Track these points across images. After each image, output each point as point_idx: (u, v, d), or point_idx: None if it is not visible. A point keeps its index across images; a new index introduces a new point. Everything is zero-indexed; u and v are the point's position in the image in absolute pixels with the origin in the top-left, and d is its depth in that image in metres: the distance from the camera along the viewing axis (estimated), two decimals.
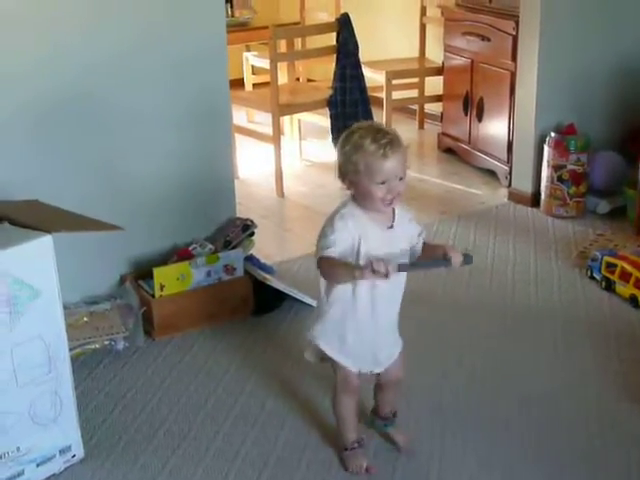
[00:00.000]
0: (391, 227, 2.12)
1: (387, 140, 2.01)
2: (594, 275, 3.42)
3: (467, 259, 2.10)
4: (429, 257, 2.16)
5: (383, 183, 2.02)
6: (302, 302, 3.27)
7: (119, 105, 3.12)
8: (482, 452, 2.39)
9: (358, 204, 2.09)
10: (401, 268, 1.99)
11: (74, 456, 2.36)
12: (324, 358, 2.29)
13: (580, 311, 3.22)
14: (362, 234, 2.06)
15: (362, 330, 2.17)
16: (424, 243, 2.20)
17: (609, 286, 3.33)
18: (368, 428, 2.45)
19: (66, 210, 2.41)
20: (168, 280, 3.06)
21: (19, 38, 2.87)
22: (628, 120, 4.45)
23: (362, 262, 2.03)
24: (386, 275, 1.91)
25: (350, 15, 4.71)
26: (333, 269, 2.05)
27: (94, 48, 3.02)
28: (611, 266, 3.33)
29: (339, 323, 2.18)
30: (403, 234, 2.15)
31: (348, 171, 2.05)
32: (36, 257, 2.15)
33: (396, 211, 2.14)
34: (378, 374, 2.31)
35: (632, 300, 3.22)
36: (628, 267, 3.25)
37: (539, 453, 2.38)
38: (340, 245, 2.03)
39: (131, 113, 3.16)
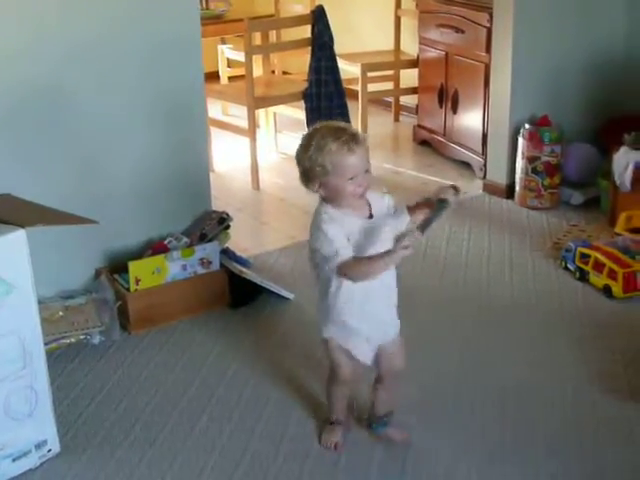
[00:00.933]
0: (371, 217, 2.13)
1: (348, 136, 2.04)
2: (568, 266, 3.45)
3: (456, 191, 2.14)
4: (423, 211, 2.16)
5: (352, 178, 2.04)
6: (278, 295, 3.28)
7: (91, 97, 3.10)
8: (458, 443, 2.40)
9: (331, 205, 2.10)
10: (423, 229, 2.02)
11: (50, 451, 2.35)
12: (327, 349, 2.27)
13: (554, 301, 3.25)
14: (348, 233, 2.07)
15: (365, 304, 2.17)
16: (409, 207, 2.20)
17: (583, 276, 3.36)
18: (368, 430, 2.44)
19: (39, 204, 2.40)
20: (143, 274, 3.05)
21: None
22: (601, 112, 4.48)
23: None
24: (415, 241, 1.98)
25: (325, 7, 4.71)
26: (365, 267, 2.06)
27: (65, 41, 3.00)
28: (585, 257, 3.36)
29: (346, 312, 2.18)
30: (384, 216, 2.16)
31: (316, 174, 2.05)
32: (10, 252, 2.14)
33: (368, 199, 2.14)
34: (378, 366, 2.31)
35: (606, 290, 3.25)
36: (601, 257, 3.28)
37: (515, 443, 2.40)
38: (345, 245, 2.06)
39: (103, 105, 3.14)
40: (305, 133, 2.12)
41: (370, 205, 2.14)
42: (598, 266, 3.29)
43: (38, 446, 2.32)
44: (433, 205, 2.12)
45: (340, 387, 2.33)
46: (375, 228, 2.12)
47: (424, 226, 2.05)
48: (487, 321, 3.11)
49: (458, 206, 2.15)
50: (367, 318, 2.19)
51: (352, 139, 2.03)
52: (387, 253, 2.01)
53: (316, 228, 2.09)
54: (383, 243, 2.10)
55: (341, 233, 2.06)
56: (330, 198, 2.10)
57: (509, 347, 2.93)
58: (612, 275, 3.22)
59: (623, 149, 3.79)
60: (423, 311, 3.17)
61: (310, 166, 2.06)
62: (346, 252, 2.06)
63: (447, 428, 2.47)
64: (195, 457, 2.37)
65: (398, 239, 1.99)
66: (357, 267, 2.06)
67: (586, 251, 3.36)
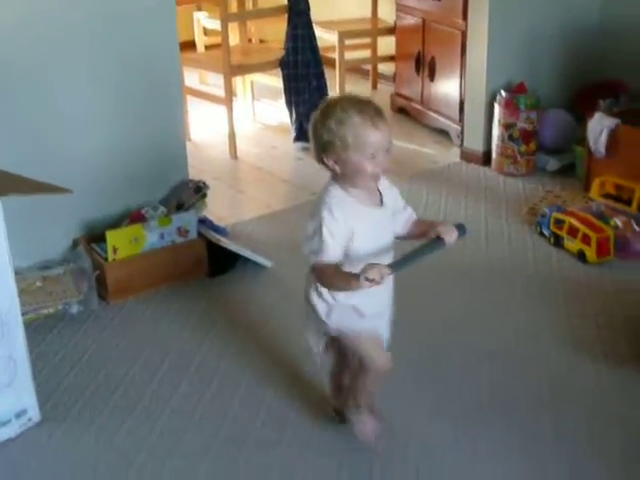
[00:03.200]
0: (381, 204, 2.02)
1: (373, 110, 1.89)
2: (543, 231, 3.49)
3: (461, 231, 2.00)
4: (418, 235, 2.07)
5: (373, 156, 1.89)
6: (256, 263, 3.29)
7: (61, 66, 3.08)
8: (434, 406, 2.44)
9: (342, 186, 1.95)
10: (394, 268, 1.86)
11: (30, 419, 2.37)
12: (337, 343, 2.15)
13: (529, 267, 3.29)
14: (354, 225, 1.93)
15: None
16: (416, 219, 2.10)
17: (557, 242, 3.40)
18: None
19: (13, 173, 2.39)
20: (121, 243, 3.05)
21: None
22: (577, 78, 4.51)
23: (353, 254, 1.94)
24: (380, 281, 1.81)
25: None
26: (331, 280, 1.93)
27: (21, 9, 2.94)
28: (559, 222, 3.39)
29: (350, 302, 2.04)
30: (391, 207, 2.05)
31: (335, 148, 1.90)
32: None
33: (379, 186, 2.03)
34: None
35: (580, 255, 3.29)
36: (576, 223, 3.31)
37: (490, 405, 2.44)
38: (336, 245, 1.91)
39: (75, 75, 3.12)
40: (322, 104, 1.95)
41: (381, 193, 2.03)
42: (572, 231, 3.32)
43: (18, 415, 2.33)
44: (427, 234, 2.00)
45: (378, 376, 2.18)
46: (384, 218, 2.02)
47: (403, 263, 1.88)
48: (462, 286, 3.14)
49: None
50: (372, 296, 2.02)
51: (376, 114, 1.89)
52: (355, 277, 1.82)
53: (318, 212, 1.93)
54: (385, 235, 2.03)
55: (341, 228, 1.91)
56: (344, 177, 1.94)
57: (483, 312, 2.96)
58: (586, 240, 3.25)
59: (598, 115, 3.81)
60: (399, 276, 3.18)
61: (329, 139, 1.89)
62: (333, 254, 1.91)
63: (423, 391, 2.51)
64: (175, 423, 2.39)
65: (365, 269, 1.79)
66: (328, 276, 1.92)
67: (561, 217, 3.39)
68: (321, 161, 1.96)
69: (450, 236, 1.98)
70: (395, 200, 2.08)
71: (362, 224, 1.94)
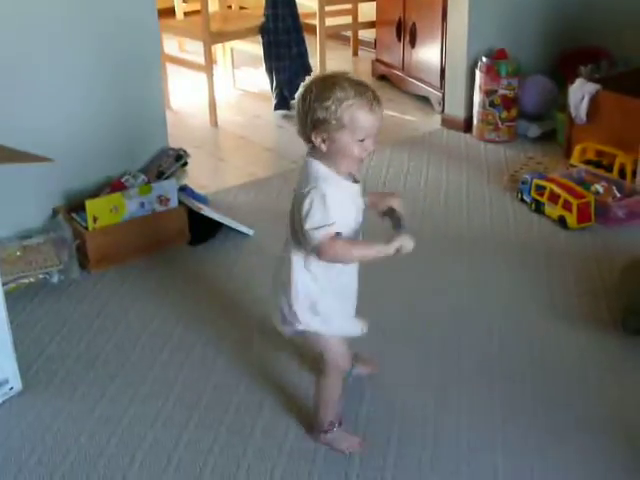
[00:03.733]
0: (357, 181, 2.01)
1: (372, 94, 1.87)
2: (524, 198, 3.49)
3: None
4: (370, 206, 2.10)
5: (362, 140, 1.87)
6: (238, 231, 3.28)
7: (37, 34, 3.02)
8: (417, 373, 2.46)
9: (325, 163, 1.92)
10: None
11: (12, 389, 2.37)
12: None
13: (510, 233, 3.30)
14: (341, 198, 1.91)
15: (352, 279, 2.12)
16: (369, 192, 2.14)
17: (538, 208, 3.41)
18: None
19: None
20: (101, 212, 3.04)
21: None
22: (558, 44, 4.50)
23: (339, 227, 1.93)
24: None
25: None
26: (347, 249, 1.92)
27: None
28: (540, 188, 3.40)
29: (340, 293, 2.07)
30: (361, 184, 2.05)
31: (329, 127, 1.85)
32: None
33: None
34: None
35: (560, 221, 3.30)
36: (557, 189, 3.32)
37: (470, 370, 2.46)
38: (337, 215, 1.88)
39: (52, 42, 3.07)
40: (317, 80, 1.91)
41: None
42: (553, 197, 3.33)
43: None
44: (377, 204, 2.10)
45: (340, 380, 2.16)
46: (358, 193, 2.01)
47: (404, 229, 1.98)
48: (444, 252, 3.15)
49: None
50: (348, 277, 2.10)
51: (375, 99, 1.86)
52: (380, 243, 1.91)
53: (311, 186, 1.88)
54: (360, 209, 2.03)
55: (337, 199, 1.88)
56: (329, 155, 1.90)
57: (464, 278, 2.97)
58: (567, 206, 3.26)
59: (579, 81, 3.81)
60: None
61: (325, 117, 1.84)
62: (337, 223, 1.88)
63: (405, 361, 2.52)
64: (157, 390, 2.40)
65: (400, 239, 1.92)
66: (345, 249, 1.91)
67: (542, 183, 3.40)
68: (307, 137, 1.92)
69: (399, 204, 2.10)
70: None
71: (348, 198, 1.96)
